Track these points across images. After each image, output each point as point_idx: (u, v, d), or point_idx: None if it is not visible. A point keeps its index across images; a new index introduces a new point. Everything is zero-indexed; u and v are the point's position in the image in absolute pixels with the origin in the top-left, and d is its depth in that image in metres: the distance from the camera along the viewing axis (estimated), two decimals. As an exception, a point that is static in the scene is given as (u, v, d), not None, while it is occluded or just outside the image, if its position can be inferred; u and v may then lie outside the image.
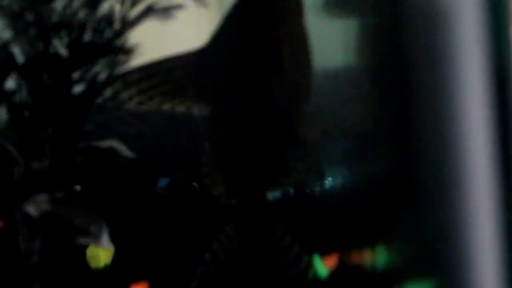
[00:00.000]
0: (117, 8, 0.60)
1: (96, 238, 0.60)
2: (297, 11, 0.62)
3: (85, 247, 0.67)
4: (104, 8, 0.60)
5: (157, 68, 0.62)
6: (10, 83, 0.61)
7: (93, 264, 0.68)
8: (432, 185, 0.60)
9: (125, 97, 0.61)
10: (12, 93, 0.59)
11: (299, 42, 0.62)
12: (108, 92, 0.62)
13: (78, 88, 0.63)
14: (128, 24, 0.60)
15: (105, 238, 0.60)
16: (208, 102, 0.62)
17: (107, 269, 0.67)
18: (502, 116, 0.55)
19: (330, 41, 0.70)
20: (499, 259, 0.55)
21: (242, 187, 0.64)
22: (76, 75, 0.62)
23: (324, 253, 0.65)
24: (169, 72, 0.62)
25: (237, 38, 0.61)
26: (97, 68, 0.62)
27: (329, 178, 0.70)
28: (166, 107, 0.62)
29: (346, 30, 0.71)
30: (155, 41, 0.62)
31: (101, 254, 0.68)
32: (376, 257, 0.65)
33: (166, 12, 0.60)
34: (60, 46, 0.59)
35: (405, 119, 0.62)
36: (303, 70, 0.62)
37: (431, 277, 0.58)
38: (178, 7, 0.60)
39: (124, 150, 0.71)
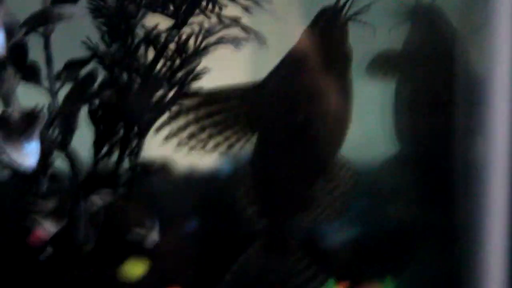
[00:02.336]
0: (193, 37, 0.71)
1: (148, 231, 0.71)
2: (346, 64, 0.72)
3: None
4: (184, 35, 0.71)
5: (218, 95, 0.73)
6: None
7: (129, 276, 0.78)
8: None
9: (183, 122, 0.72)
10: (96, 95, 0.72)
11: (343, 93, 0.72)
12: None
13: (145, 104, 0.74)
14: (200, 50, 0.71)
15: (155, 232, 0.70)
16: (259, 133, 0.73)
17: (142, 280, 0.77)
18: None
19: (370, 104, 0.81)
20: None
21: (275, 210, 0.74)
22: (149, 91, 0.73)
23: (338, 280, 0.75)
24: (227, 101, 0.73)
25: (292, 79, 0.72)
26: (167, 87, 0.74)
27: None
28: (214, 141, 0.73)
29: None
30: (222, 69, 0.73)
31: (137, 267, 0.78)
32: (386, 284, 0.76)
33: (235, 42, 0.71)
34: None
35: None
36: (343, 117, 0.73)
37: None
38: (244, 40, 0.71)
39: (175, 169, 0.83)
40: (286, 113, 0.73)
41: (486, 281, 0.66)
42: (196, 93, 0.72)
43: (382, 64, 0.79)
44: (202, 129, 0.72)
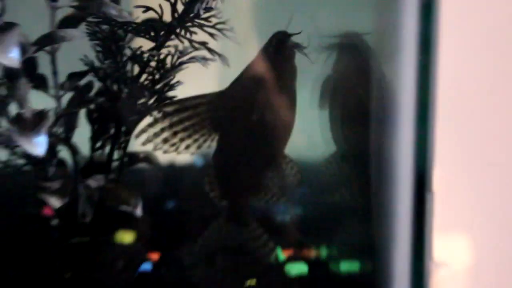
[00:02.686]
0: (170, 56, 0.81)
1: (134, 207, 0.81)
2: (292, 78, 0.82)
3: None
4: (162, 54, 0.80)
5: (188, 103, 0.81)
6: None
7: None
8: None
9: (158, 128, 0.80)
10: (92, 100, 0.84)
11: (289, 100, 0.82)
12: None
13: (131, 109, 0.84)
14: (175, 67, 0.81)
15: (139, 208, 0.81)
16: (220, 133, 0.83)
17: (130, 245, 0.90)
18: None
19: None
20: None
21: (232, 193, 0.85)
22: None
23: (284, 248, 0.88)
24: (195, 107, 0.81)
25: (249, 88, 0.82)
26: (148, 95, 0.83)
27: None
28: (185, 144, 0.81)
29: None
30: (192, 82, 0.84)
31: (125, 236, 0.89)
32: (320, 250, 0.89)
33: (203, 61, 0.81)
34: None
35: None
36: (288, 120, 0.82)
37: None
38: (210, 59, 0.80)
39: (157, 161, 0.96)
40: (242, 116, 0.82)
41: (394, 248, 0.78)
42: (170, 102, 0.80)
43: (321, 86, 0.87)
44: (175, 134, 0.80)
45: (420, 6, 0.73)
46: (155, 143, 0.80)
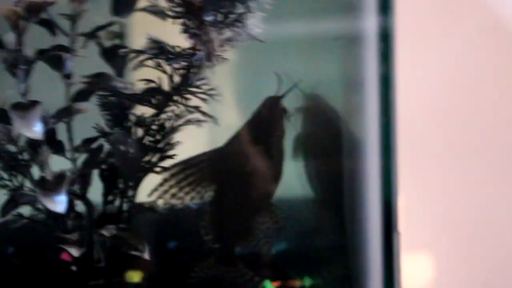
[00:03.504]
0: (169, 120, 0.91)
1: (142, 252, 0.91)
2: (281, 135, 0.92)
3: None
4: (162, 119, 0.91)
5: (192, 161, 0.90)
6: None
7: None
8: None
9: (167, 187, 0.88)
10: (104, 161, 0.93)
11: (278, 156, 0.91)
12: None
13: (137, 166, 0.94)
14: (174, 128, 0.92)
15: (147, 253, 0.91)
16: (217, 183, 0.91)
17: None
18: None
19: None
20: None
21: (224, 237, 0.93)
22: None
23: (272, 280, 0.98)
24: (198, 164, 0.89)
25: (243, 144, 0.91)
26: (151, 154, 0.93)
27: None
28: (190, 196, 0.88)
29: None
30: (188, 140, 0.94)
31: (135, 276, 1.01)
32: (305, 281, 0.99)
33: (197, 122, 0.91)
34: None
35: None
36: (277, 173, 0.91)
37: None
38: (203, 121, 0.90)
39: (160, 209, 1.03)
40: (236, 168, 0.91)
41: (368, 276, 0.88)
42: (176, 164, 0.89)
43: (293, 142, 0.98)
44: (181, 189, 0.89)
45: (379, 53, 0.83)
46: (165, 199, 0.90)
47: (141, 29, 0.99)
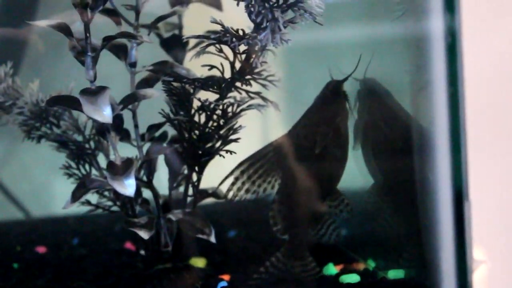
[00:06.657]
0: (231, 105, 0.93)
1: (209, 235, 0.94)
2: (345, 119, 0.92)
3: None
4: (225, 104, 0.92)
5: (258, 154, 0.90)
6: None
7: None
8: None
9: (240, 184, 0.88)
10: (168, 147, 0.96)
11: (343, 138, 0.91)
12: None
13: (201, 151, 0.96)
14: (236, 114, 0.93)
15: (213, 236, 0.94)
16: (284, 170, 0.91)
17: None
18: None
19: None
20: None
21: (293, 226, 0.91)
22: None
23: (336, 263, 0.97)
24: (265, 156, 0.90)
25: (310, 127, 0.91)
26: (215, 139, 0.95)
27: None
28: (262, 188, 0.88)
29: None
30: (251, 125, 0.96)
31: (199, 261, 1.02)
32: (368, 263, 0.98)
33: (258, 107, 0.93)
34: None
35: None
36: (343, 155, 0.91)
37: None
38: (264, 106, 0.93)
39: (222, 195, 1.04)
40: (303, 152, 0.90)
41: (440, 251, 0.83)
42: (243, 161, 0.89)
43: (356, 129, 0.95)
44: (253, 183, 0.89)
45: (445, 46, 0.82)
46: (240, 196, 0.90)
47: (195, 21, 1.01)
